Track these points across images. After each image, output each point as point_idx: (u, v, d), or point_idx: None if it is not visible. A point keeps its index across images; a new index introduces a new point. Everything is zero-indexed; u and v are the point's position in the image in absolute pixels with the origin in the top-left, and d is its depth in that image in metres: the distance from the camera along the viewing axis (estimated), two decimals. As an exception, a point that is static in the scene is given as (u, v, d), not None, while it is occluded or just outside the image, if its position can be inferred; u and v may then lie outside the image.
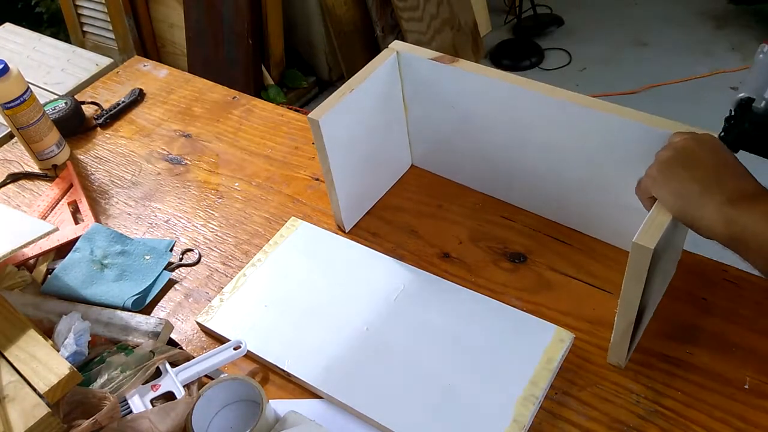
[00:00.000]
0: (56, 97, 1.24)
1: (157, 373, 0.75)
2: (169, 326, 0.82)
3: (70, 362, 0.70)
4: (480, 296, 0.82)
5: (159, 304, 0.89)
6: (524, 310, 0.80)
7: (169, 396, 0.73)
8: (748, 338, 0.74)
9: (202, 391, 0.72)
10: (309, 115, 0.79)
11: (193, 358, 0.77)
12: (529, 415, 0.69)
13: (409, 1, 2.47)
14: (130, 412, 0.71)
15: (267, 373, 0.79)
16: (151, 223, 1.01)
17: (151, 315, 0.86)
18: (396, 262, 0.87)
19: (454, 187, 0.97)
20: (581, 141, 0.78)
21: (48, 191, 1.07)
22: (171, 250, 0.95)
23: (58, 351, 0.75)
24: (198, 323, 0.84)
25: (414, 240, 0.91)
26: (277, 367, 0.78)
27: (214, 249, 0.95)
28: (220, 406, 0.75)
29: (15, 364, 0.71)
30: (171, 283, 0.91)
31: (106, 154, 1.15)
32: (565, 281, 0.83)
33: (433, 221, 0.93)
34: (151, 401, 0.73)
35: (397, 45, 0.88)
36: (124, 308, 0.86)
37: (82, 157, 1.15)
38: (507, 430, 0.68)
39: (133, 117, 1.22)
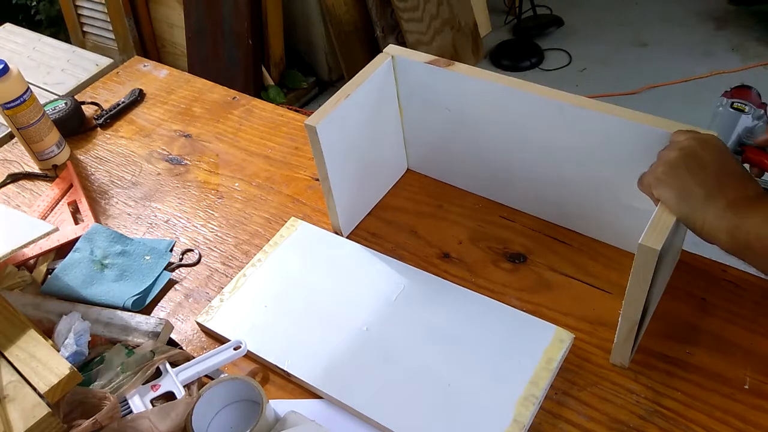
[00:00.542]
0: (56, 97, 1.24)
1: (157, 373, 0.75)
2: (169, 326, 0.82)
3: (70, 362, 0.70)
4: (480, 296, 0.82)
5: (159, 304, 0.89)
6: (524, 311, 0.80)
7: (169, 396, 0.73)
8: (748, 338, 0.74)
9: (202, 391, 0.72)
10: (306, 122, 0.79)
11: (193, 358, 0.77)
12: (529, 415, 0.69)
13: (409, 1, 2.47)
14: (130, 412, 0.71)
15: (267, 373, 0.79)
16: (151, 223, 1.01)
17: (151, 315, 0.86)
18: (396, 263, 0.87)
19: (450, 190, 0.97)
20: (580, 142, 0.78)
21: (48, 191, 1.07)
22: (171, 250, 0.95)
23: (58, 351, 0.75)
24: (198, 323, 0.85)
25: (414, 240, 0.91)
26: (277, 367, 0.78)
27: (214, 249, 0.95)
28: (220, 406, 0.75)
29: (15, 364, 0.71)
30: (171, 283, 0.91)
31: (106, 154, 1.15)
32: (565, 281, 0.83)
33: (433, 221, 0.93)
34: (151, 401, 0.73)
35: (392, 49, 0.87)
36: (124, 308, 0.86)
37: (82, 157, 1.15)
38: (507, 430, 0.68)
39: (133, 117, 1.22)
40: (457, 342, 0.77)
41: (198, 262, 0.94)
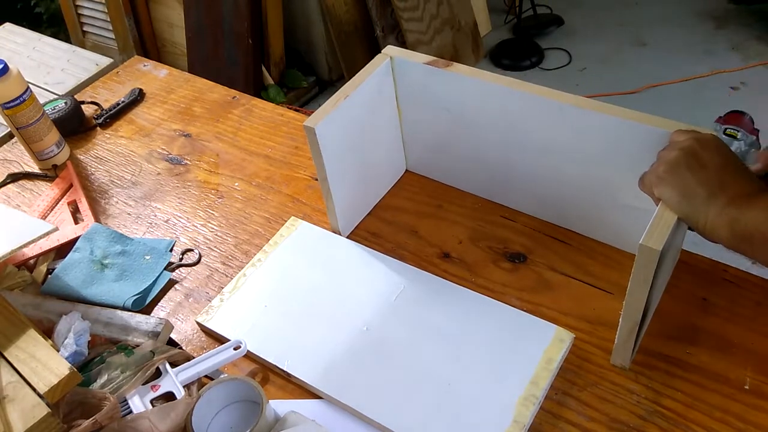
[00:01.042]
0: (56, 97, 1.24)
1: (157, 374, 0.75)
2: (169, 326, 0.82)
3: (70, 362, 0.70)
4: (480, 296, 0.81)
5: (159, 304, 0.89)
6: (524, 310, 0.80)
7: (169, 396, 0.73)
8: (748, 338, 0.74)
9: (202, 392, 0.72)
10: (304, 123, 0.79)
11: (193, 358, 0.77)
12: (530, 415, 0.69)
13: (409, 1, 2.47)
14: (130, 412, 0.71)
15: (267, 373, 0.79)
16: (151, 223, 1.01)
17: (151, 315, 0.86)
18: (396, 262, 0.87)
19: (450, 191, 0.97)
20: (580, 142, 0.78)
21: (48, 191, 1.07)
22: (171, 250, 0.95)
23: (58, 351, 0.75)
24: (198, 323, 0.84)
25: (414, 240, 0.91)
26: (277, 367, 0.78)
27: (214, 249, 0.95)
28: (220, 406, 0.75)
29: (15, 364, 0.71)
30: (171, 283, 0.91)
31: (106, 154, 1.15)
32: (565, 281, 0.83)
33: (433, 221, 0.93)
34: (151, 401, 0.73)
35: (390, 50, 0.87)
36: (124, 308, 0.86)
37: (82, 157, 1.15)
38: (507, 430, 0.68)
39: (132, 117, 1.22)
40: (457, 342, 0.77)
41: (198, 261, 0.94)
